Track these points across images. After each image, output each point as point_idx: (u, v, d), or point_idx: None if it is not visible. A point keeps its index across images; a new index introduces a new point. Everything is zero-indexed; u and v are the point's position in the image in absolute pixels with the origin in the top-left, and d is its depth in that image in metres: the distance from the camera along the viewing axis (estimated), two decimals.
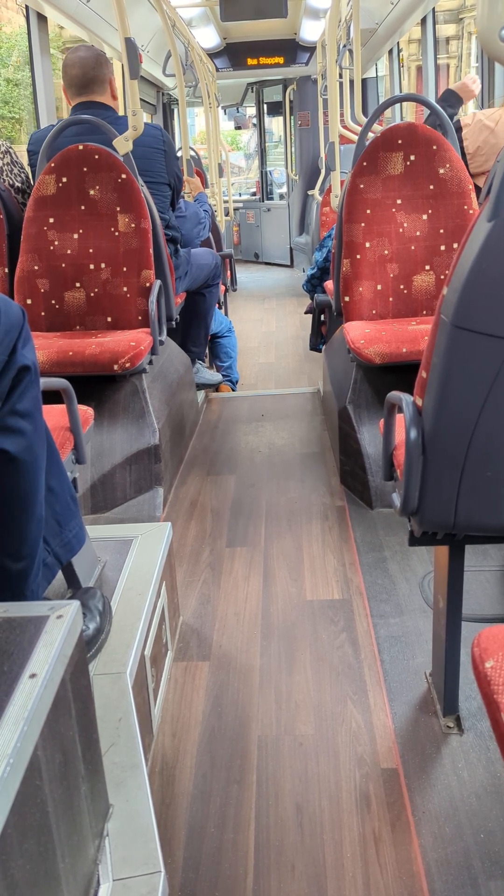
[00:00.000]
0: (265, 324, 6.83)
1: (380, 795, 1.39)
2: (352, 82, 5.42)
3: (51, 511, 1.23)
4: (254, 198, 11.42)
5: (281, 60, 8.53)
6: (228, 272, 5.64)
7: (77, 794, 0.90)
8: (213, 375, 3.99)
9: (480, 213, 1.03)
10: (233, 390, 4.49)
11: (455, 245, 2.66)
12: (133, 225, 2.76)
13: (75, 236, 2.79)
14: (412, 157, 2.65)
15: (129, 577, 1.64)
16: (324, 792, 1.41)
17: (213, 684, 1.71)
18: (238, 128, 13.69)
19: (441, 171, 2.64)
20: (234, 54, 8.44)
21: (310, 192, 8.37)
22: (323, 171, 7.10)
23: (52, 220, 2.79)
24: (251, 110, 11.69)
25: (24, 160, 3.14)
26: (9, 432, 1.08)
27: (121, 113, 3.02)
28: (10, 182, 3.06)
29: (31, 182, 3.34)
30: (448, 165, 2.64)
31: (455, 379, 1.12)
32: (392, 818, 1.34)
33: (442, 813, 1.34)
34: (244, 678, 1.73)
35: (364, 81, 7.30)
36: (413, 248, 2.68)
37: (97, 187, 2.77)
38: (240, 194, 12.07)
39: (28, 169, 3.21)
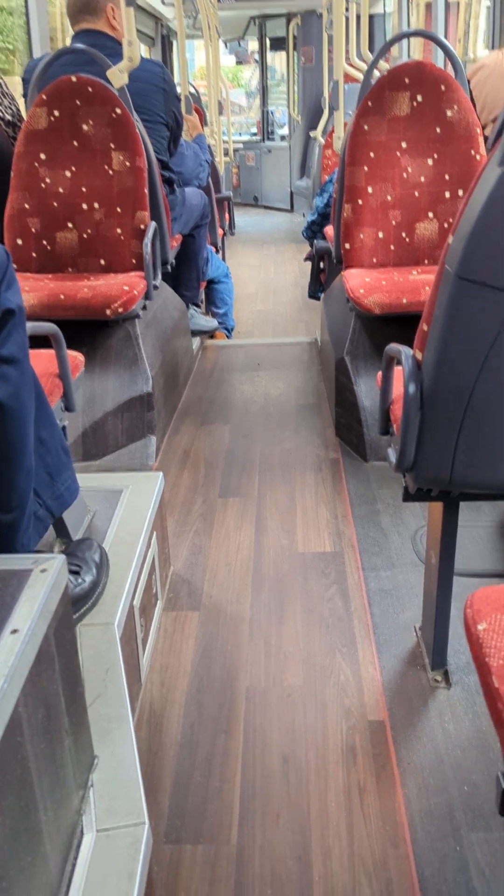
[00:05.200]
0: (263, 270, 6.70)
1: (366, 747, 1.40)
2: (358, 18, 5.20)
3: (41, 463, 1.20)
4: (254, 138, 11.09)
5: None
6: (227, 215, 5.51)
7: (60, 748, 0.90)
8: (209, 322, 3.92)
9: (490, 159, 0.97)
10: (228, 338, 4.42)
11: (460, 192, 2.57)
12: (128, 163, 2.66)
13: (67, 174, 2.69)
14: (419, 98, 2.55)
15: (119, 526, 1.62)
16: (310, 743, 1.41)
17: (202, 634, 1.71)
18: (239, 63, 13.22)
19: (449, 113, 2.54)
20: None
21: (312, 134, 8.11)
22: (326, 112, 6.86)
23: (43, 156, 2.69)
24: (253, 45, 11.26)
25: (18, 91, 3.01)
26: None
27: None
28: (0, 115, 2.93)
29: (22, 115, 3.21)
30: (456, 107, 2.54)
31: (457, 333, 1.08)
32: (377, 769, 1.35)
33: (427, 765, 1.35)
34: (234, 629, 1.72)
35: (371, 18, 6.99)
36: (417, 194, 2.59)
37: (90, 122, 2.66)
38: (240, 134, 11.71)
39: (21, 101, 3.08)
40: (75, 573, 1.34)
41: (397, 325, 2.45)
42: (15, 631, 0.80)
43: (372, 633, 1.69)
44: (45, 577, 0.89)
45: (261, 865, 1.19)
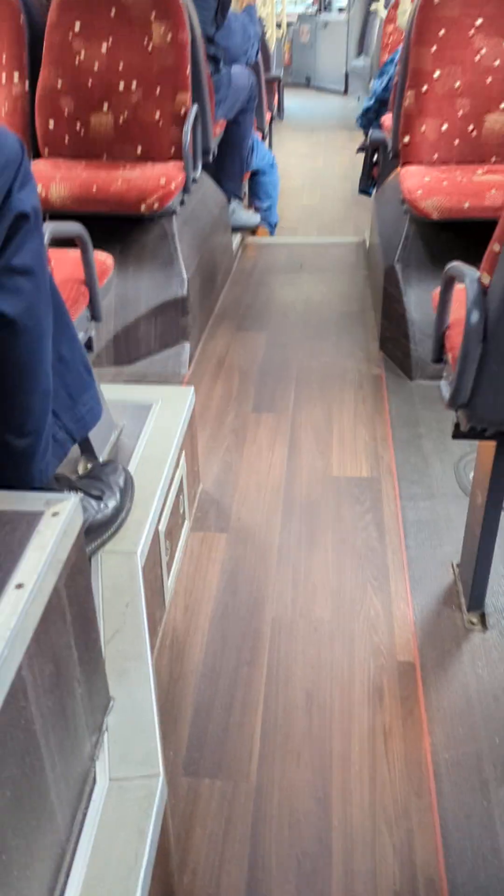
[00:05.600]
0: (311, 160, 6.30)
1: (393, 689, 1.35)
2: None
3: (61, 382, 1.10)
4: (310, 10, 10.21)
5: None
6: (276, 98, 5.12)
7: (72, 699, 0.84)
8: (251, 217, 3.69)
9: None
10: (271, 234, 4.18)
11: None
12: (169, 36, 2.41)
13: (103, 48, 2.45)
14: None
15: (146, 446, 1.54)
16: (336, 680, 1.37)
17: (229, 559, 1.65)
18: None
19: None
20: None
21: (373, 6, 7.41)
22: None
23: (77, 27, 2.45)
24: None
25: None
26: (5, 292, 0.93)
27: None
28: None
29: None
30: None
31: None
32: (404, 713, 1.31)
33: (457, 712, 1.30)
34: (262, 555, 1.66)
35: None
36: (489, 80, 2.31)
37: None
38: (294, 4, 10.80)
39: None
40: (98, 498, 1.27)
41: (456, 232, 2.25)
42: (20, 586, 0.73)
43: (406, 568, 1.61)
44: (56, 521, 0.81)
45: (279, 804, 1.16)
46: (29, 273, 0.95)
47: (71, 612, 0.82)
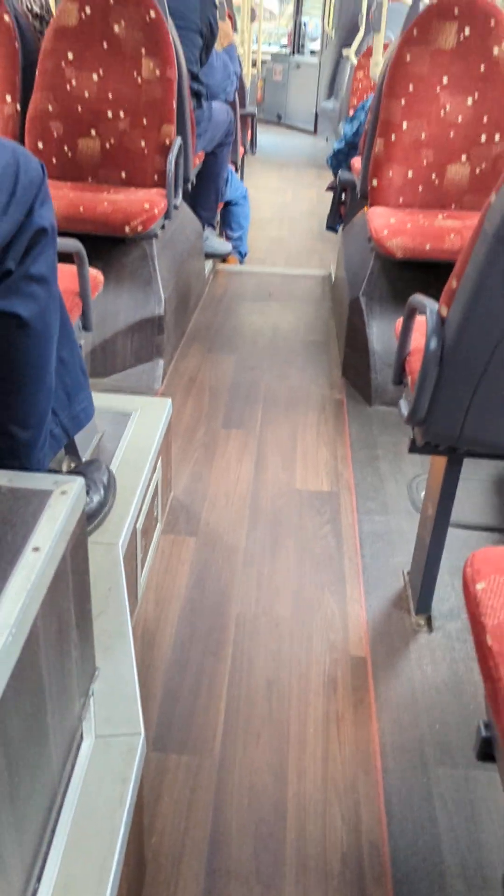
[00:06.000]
0: (281, 194, 6.53)
1: (346, 680, 1.48)
2: None
3: (60, 382, 1.21)
4: (283, 50, 10.59)
5: None
6: (249, 133, 5.32)
7: (69, 659, 0.94)
8: (223, 245, 3.85)
9: None
10: (241, 263, 4.35)
11: (497, 137, 2.51)
12: (158, 72, 2.57)
13: (95, 77, 2.59)
14: (466, 31, 2.45)
15: (126, 449, 1.65)
16: (294, 671, 1.49)
17: (197, 559, 1.76)
18: None
19: (496, 50, 2.45)
20: None
21: (345, 52, 7.76)
22: (362, 30, 6.54)
23: (70, 56, 2.59)
24: None
25: None
26: (22, 297, 1.04)
27: None
28: (28, 6, 2.80)
29: (51, 7, 3.07)
30: None
31: (487, 294, 1.09)
32: (355, 701, 1.43)
33: (402, 702, 1.43)
34: (228, 557, 1.78)
35: None
36: (452, 134, 2.52)
37: (123, 23, 2.55)
38: (269, 44, 11.18)
39: None
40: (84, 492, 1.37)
41: (417, 270, 2.43)
42: (36, 549, 0.83)
43: (361, 574, 1.75)
44: (65, 498, 0.92)
45: (240, 778, 1.27)
46: (44, 281, 1.07)
47: (73, 579, 0.93)
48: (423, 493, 1.82)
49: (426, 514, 1.57)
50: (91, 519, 1.36)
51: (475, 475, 2.07)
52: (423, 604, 1.62)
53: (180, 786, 1.25)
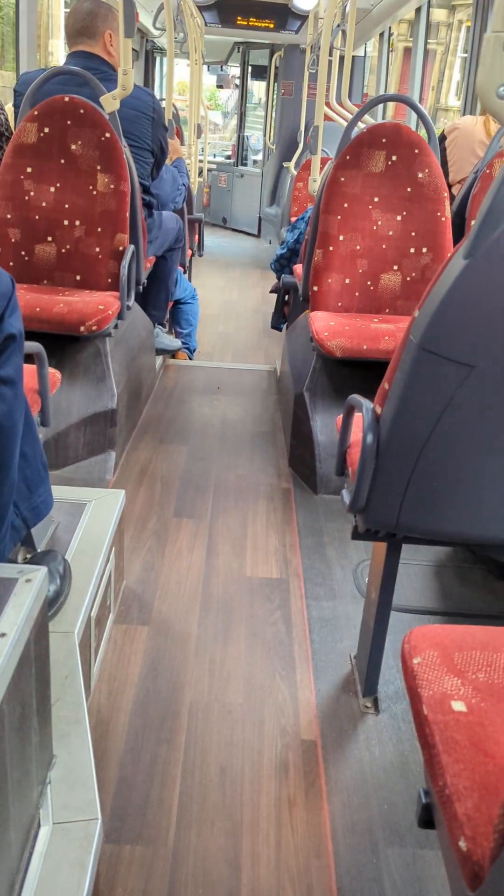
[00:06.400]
0: (227, 292, 6.84)
1: (297, 764, 1.51)
2: (341, 59, 5.42)
3: (21, 476, 1.28)
4: (228, 161, 11.29)
5: (271, 25, 8.39)
6: (196, 236, 5.63)
7: (29, 745, 0.98)
8: (173, 342, 4.02)
9: (457, 251, 1.11)
10: (190, 359, 4.52)
11: (424, 250, 2.75)
12: (112, 186, 2.75)
13: (52, 189, 2.76)
14: (394, 158, 2.72)
15: (81, 540, 1.70)
16: (247, 757, 1.51)
17: (150, 648, 1.79)
18: (220, 87, 13.44)
19: (420, 175, 2.72)
20: (224, 11, 8.25)
21: (285, 165, 8.33)
22: (301, 145, 7.08)
23: (29, 170, 2.76)
24: (235, 70, 11.50)
25: (9, 99, 3.08)
26: None
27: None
28: None
29: (10, 124, 3.28)
30: (427, 171, 2.72)
31: (415, 395, 1.21)
32: (307, 785, 1.46)
33: (352, 784, 1.47)
34: (181, 645, 1.82)
35: (351, 59, 7.27)
36: (384, 246, 2.75)
37: (79, 142, 2.75)
38: (214, 155, 11.90)
39: (10, 108, 3.15)
40: None
41: (355, 367, 2.60)
42: (3, 635, 0.89)
43: (310, 659, 1.80)
44: (29, 586, 0.98)
45: (194, 867, 1.28)
46: (11, 383, 1.16)
47: (35, 665, 0.97)
48: (367, 579, 1.91)
49: (370, 598, 1.65)
50: (49, 607, 1.40)
51: (414, 559, 2.18)
52: (370, 686, 1.68)
53: (134, 877, 1.25)
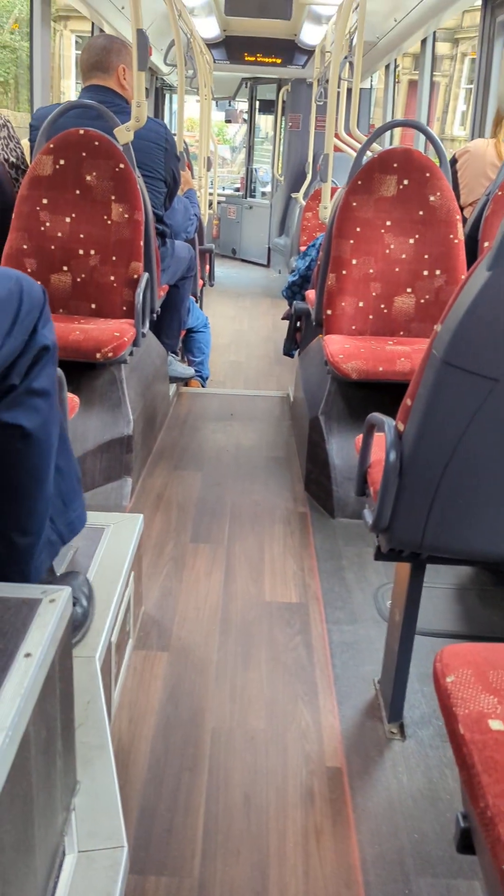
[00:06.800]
0: (238, 322, 6.88)
1: (323, 792, 1.47)
2: (349, 92, 5.51)
3: (57, 490, 1.27)
4: (237, 193, 11.45)
5: (278, 61, 8.55)
6: (207, 267, 5.68)
7: (54, 769, 0.96)
8: (186, 370, 4.04)
9: (481, 261, 1.11)
10: (203, 386, 4.53)
11: (438, 272, 2.75)
12: (126, 215, 2.79)
13: (67, 220, 2.80)
14: (405, 182, 2.74)
15: (100, 564, 1.69)
16: (271, 784, 1.48)
17: (170, 674, 1.77)
18: (228, 121, 13.69)
19: (432, 198, 2.74)
20: (232, 48, 8.43)
21: (293, 195, 8.44)
22: (309, 176, 7.17)
23: (45, 201, 2.80)
24: (243, 105, 11.71)
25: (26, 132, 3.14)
26: (25, 409, 1.12)
27: None
28: (5, 157, 3.05)
29: (26, 158, 3.34)
30: (439, 193, 2.74)
31: (439, 410, 1.20)
32: (333, 813, 1.42)
33: (380, 812, 1.43)
34: (201, 671, 1.79)
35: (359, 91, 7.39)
36: (397, 269, 2.76)
37: (94, 174, 2.79)
38: (223, 188, 12.08)
39: (26, 143, 3.21)
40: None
41: (370, 390, 2.59)
42: (28, 655, 0.87)
43: (333, 684, 1.77)
44: (53, 606, 0.96)
45: None
46: (45, 394, 1.15)
47: (60, 686, 0.96)
48: (389, 602, 1.88)
49: (393, 621, 1.62)
50: (77, 629, 1.39)
51: (438, 582, 2.14)
52: (395, 712, 1.65)
53: None
